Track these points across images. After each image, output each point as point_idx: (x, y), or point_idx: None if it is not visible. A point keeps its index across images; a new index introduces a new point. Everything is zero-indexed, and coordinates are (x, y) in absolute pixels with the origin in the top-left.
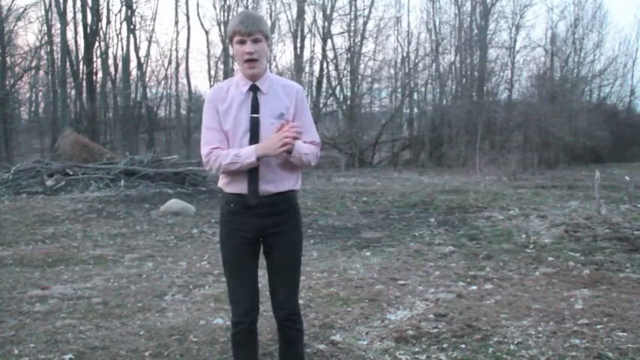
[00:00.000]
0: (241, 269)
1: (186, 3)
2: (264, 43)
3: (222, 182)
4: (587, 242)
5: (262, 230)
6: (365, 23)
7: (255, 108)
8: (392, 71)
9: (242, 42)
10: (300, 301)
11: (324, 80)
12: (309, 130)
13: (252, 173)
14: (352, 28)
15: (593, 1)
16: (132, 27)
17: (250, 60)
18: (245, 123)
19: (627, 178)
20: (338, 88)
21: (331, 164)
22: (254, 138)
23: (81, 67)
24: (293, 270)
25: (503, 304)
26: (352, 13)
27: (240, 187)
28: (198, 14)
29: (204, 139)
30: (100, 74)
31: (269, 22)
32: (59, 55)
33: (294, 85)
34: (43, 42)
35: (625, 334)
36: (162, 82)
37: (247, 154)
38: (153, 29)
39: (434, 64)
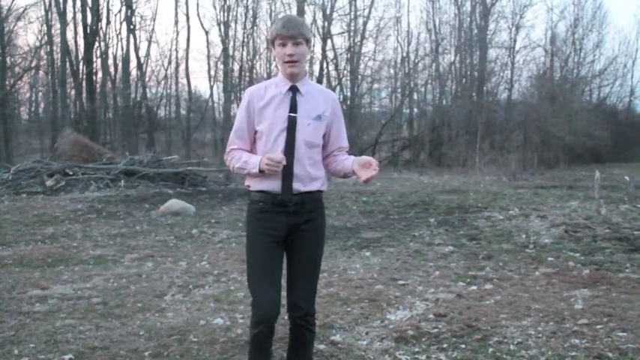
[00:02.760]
0: (269, 268)
1: (186, 3)
2: (304, 46)
3: (249, 180)
4: (587, 242)
5: (290, 228)
6: (365, 23)
7: (293, 107)
8: (392, 71)
9: (283, 45)
10: None
11: (324, 80)
12: (342, 137)
13: (286, 171)
14: (352, 28)
15: (593, 1)
16: (132, 27)
17: (291, 61)
18: (282, 122)
19: (627, 178)
20: (338, 88)
21: None
22: (290, 137)
23: (81, 67)
24: (313, 270)
25: (503, 304)
26: (352, 13)
27: (269, 185)
28: (198, 14)
29: (230, 139)
30: (99, 74)
31: (269, 23)
32: (59, 55)
33: (331, 93)
34: (43, 42)
35: (625, 334)
36: (162, 82)
37: (253, 164)
38: (153, 29)
39: (434, 64)
